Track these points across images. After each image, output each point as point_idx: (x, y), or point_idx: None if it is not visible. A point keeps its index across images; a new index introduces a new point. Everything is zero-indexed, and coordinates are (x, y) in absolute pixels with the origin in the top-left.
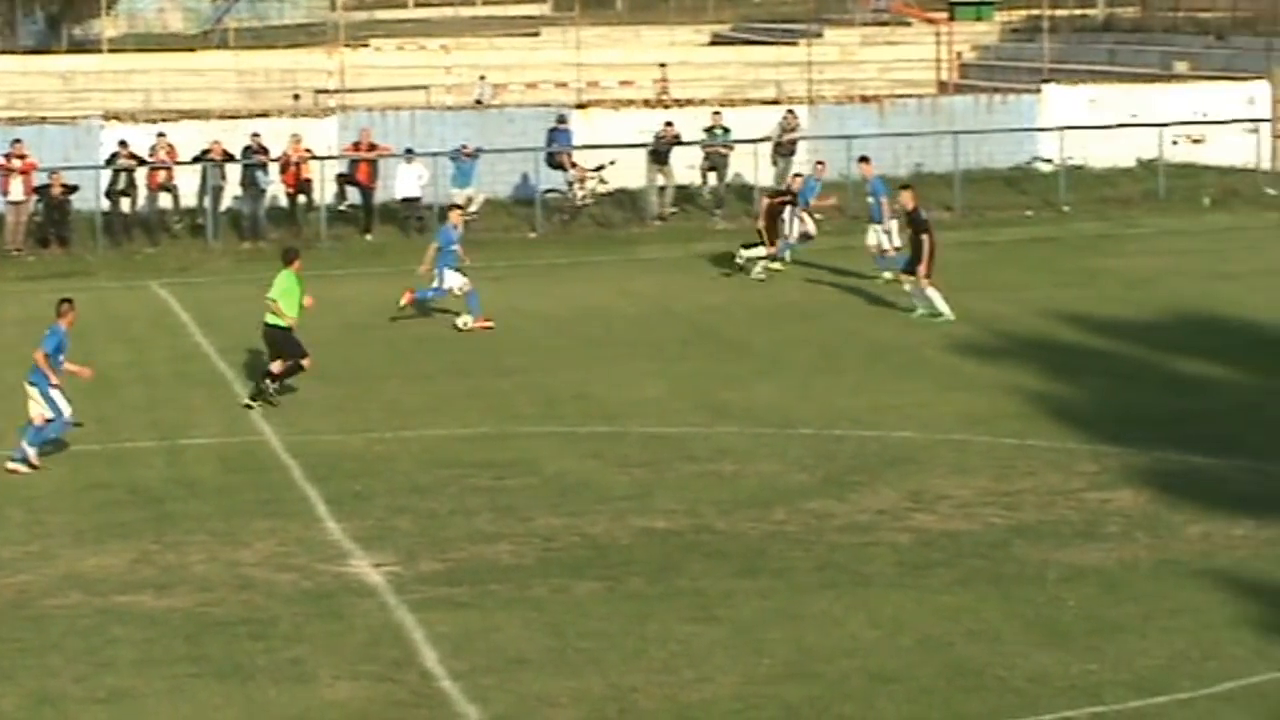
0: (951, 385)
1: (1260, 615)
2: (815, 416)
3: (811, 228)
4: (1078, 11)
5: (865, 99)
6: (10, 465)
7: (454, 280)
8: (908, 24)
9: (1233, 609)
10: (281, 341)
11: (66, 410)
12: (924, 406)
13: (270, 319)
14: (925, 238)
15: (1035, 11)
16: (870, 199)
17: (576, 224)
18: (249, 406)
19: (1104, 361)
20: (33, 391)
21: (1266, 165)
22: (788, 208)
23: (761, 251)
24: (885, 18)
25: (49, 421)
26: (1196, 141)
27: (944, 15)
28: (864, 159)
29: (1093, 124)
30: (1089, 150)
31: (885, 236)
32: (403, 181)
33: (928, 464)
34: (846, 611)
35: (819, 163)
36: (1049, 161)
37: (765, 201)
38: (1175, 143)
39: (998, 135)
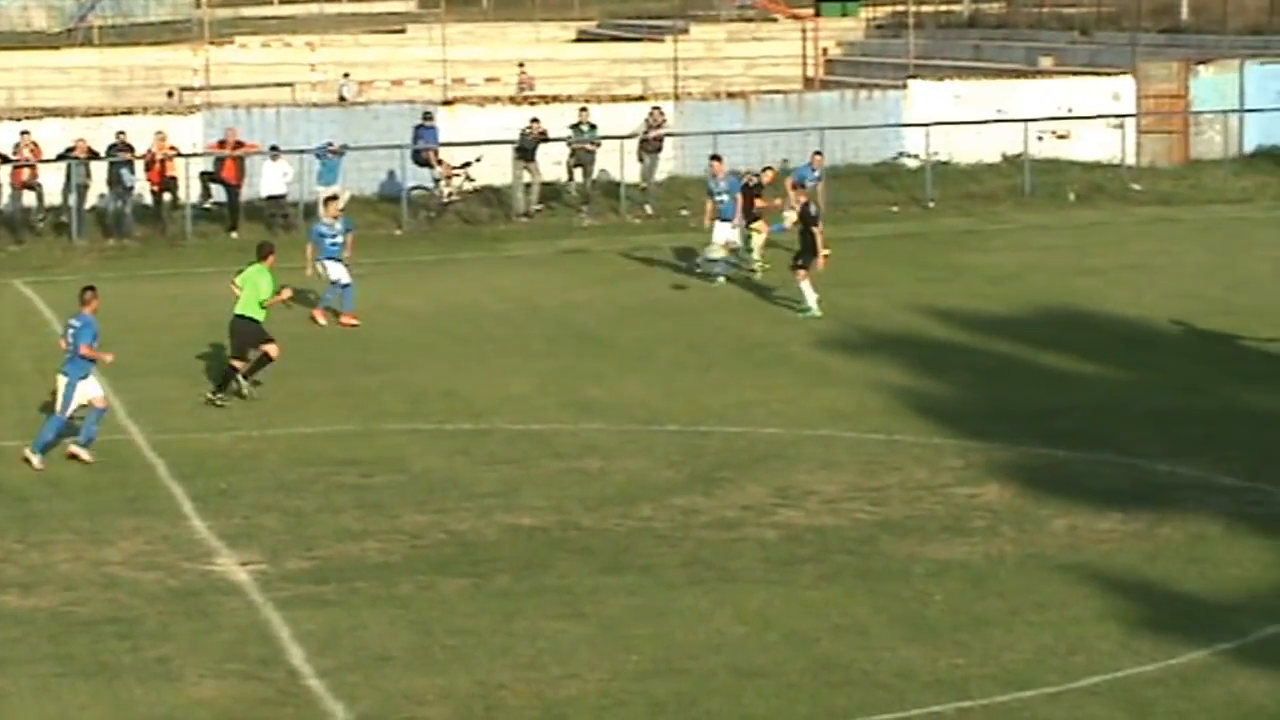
0: (818, 381)
1: (1126, 609)
2: (682, 413)
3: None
4: (943, 7)
5: (731, 95)
6: (72, 450)
7: (337, 272)
8: (773, 20)
9: (1099, 603)
10: (246, 333)
11: (71, 408)
12: (790, 403)
13: (239, 310)
14: (816, 231)
15: (901, 7)
16: (723, 197)
17: (443, 221)
18: (213, 402)
19: (969, 357)
20: (76, 383)
21: (1131, 160)
22: (757, 199)
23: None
24: (751, 14)
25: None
26: (1062, 137)
27: (809, 11)
28: (715, 157)
29: (958, 120)
30: (954, 146)
31: (735, 233)
32: (268, 179)
33: (794, 460)
34: (713, 607)
35: (816, 153)
36: (914, 157)
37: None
38: (1040, 138)
39: (863, 131)
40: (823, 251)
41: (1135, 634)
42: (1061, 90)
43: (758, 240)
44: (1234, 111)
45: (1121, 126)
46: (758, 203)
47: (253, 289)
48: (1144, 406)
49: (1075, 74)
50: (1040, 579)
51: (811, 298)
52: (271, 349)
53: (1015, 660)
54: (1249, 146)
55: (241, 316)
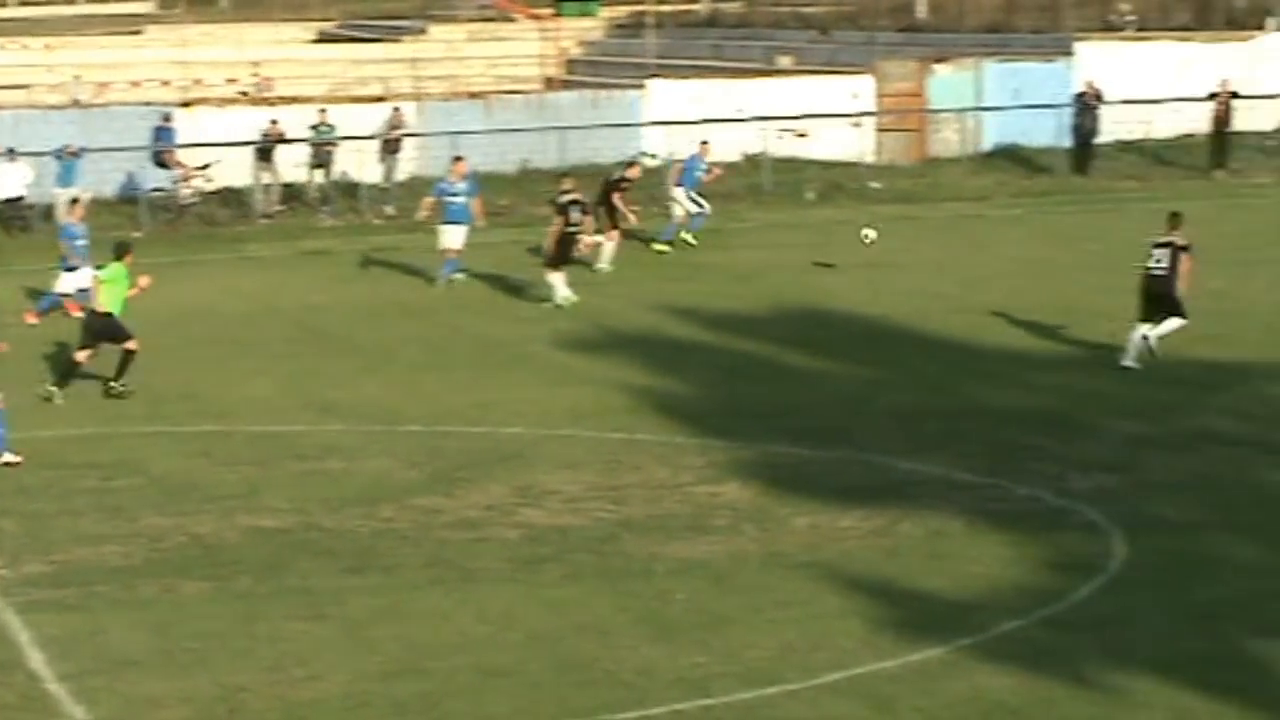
0: (559, 381)
1: (867, 606)
2: (423, 413)
3: (706, 206)
4: (682, 7)
5: (472, 95)
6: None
7: (78, 279)
8: (513, 20)
9: (840, 600)
10: (103, 328)
11: None
12: (532, 402)
13: (99, 306)
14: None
15: (640, 7)
16: (459, 199)
17: (182, 222)
18: (47, 399)
19: (710, 355)
20: None
21: (870, 159)
22: (617, 194)
23: (601, 238)
24: (491, 14)
25: None
26: (801, 136)
27: (550, 11)
28: (458, 158)
29: (697, 119)
30: (695, 145)
31: (460, 238)
32: (6, 181)
33: (536, 459)
34: (456, 607)
35: (703, 142)
36: (654, 156)
37: (604, 185)
38: (780, 137)
39: (603, 131)
40: (589, 239)
41: (877, 630)
42: (801, 89)
43: (608, 250)
44: (971, 110)
45: (860, 125)
46: (615, 199)
47: (113, 286)
48: (884, 404)
49: (814, 73)
50: (782, 577)
51: (559, 290)
52: (132, 344)
53: (757, 658)
54: (986, 145)
55: (98, 312)
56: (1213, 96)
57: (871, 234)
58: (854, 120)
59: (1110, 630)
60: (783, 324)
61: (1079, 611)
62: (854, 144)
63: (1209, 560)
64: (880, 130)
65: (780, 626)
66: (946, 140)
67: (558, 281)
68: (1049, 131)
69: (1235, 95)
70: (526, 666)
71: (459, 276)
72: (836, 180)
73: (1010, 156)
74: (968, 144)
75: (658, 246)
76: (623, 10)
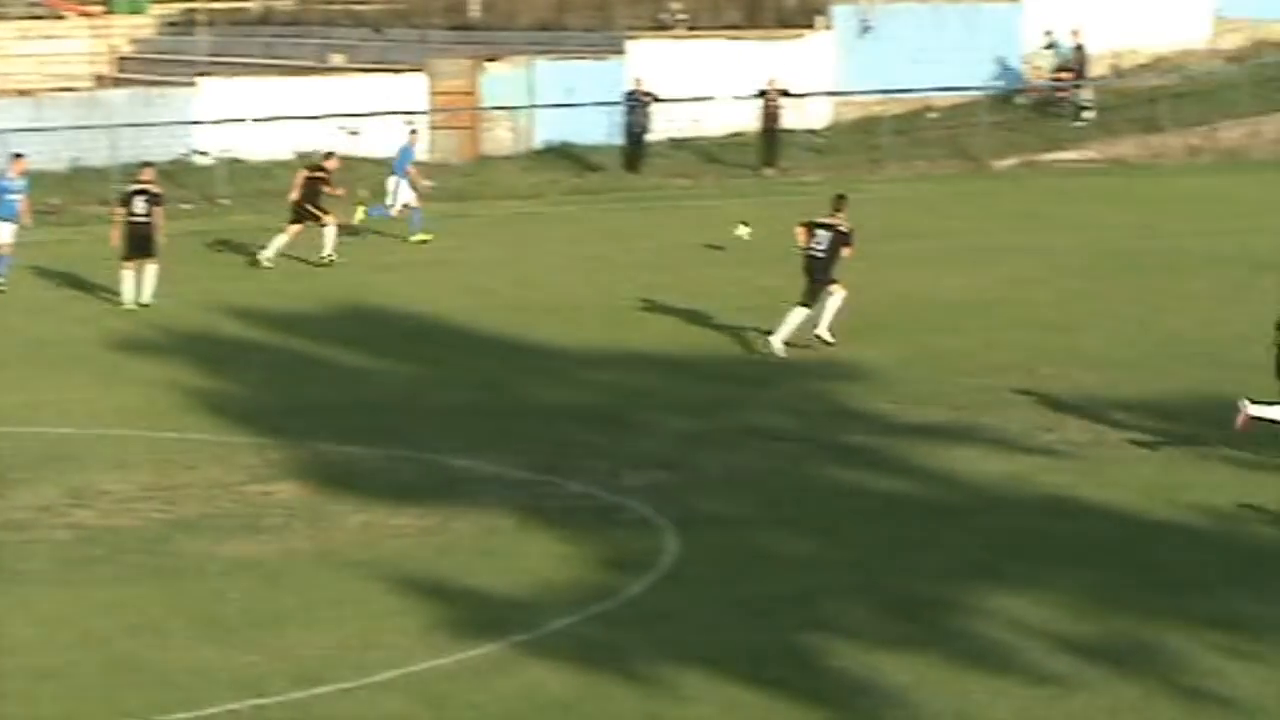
0: (112, 380)
1: (421, 604)
2: None
3: (413, 198)
4: (234, 5)
5: (22, 93)
6: None
7: None
8: (63, 17)
9: (394, 598)
10: None
11: None
12: (84, 402)
13: None
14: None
15: (191, 5)
16: (16, 196)
17: None
18: None
19: (265, 354)
20: None
21: (423, 157)
22: (318, 185)
23: (329, 232)
24: (41, 11)
25: None
26: (353, 134)
27: (100, 8)
28: (18, 155)
29: (249, 117)
30: (247, 143)
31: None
32: None
33: (88, 460)
34: (5, 610)
35: (412, 130)
36: (205, 154)
37: (301, 176)
38: (334, 135)
39: (155, 129)
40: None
41: (431, 628)
42: (354, 87)
43: (330, 235)
44: (523, 108)
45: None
46: (325, 190)
47: None
48: (437, 402)
49: (367, 71)
50: (336, 575)
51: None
52: None
53: (311, 657)
54: (538, 143)
55: None
56: (762, 94)
57: (744, 230)
58: (407, 118)
59: (662, 625)
60: (337, 322)
61: (632, 607)
62: (400, 142)
63: (760, 555)
64: (433, 128)
65: (334, 625)
66: (499, 138)
67: (127, 278)
68: (601, 130)
69: (785, 93)
70: (78, 668)
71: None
72: (388, 178)
73: (562, 154)
74: (520, 142)
75: (419, 237)
76: (174, 7)
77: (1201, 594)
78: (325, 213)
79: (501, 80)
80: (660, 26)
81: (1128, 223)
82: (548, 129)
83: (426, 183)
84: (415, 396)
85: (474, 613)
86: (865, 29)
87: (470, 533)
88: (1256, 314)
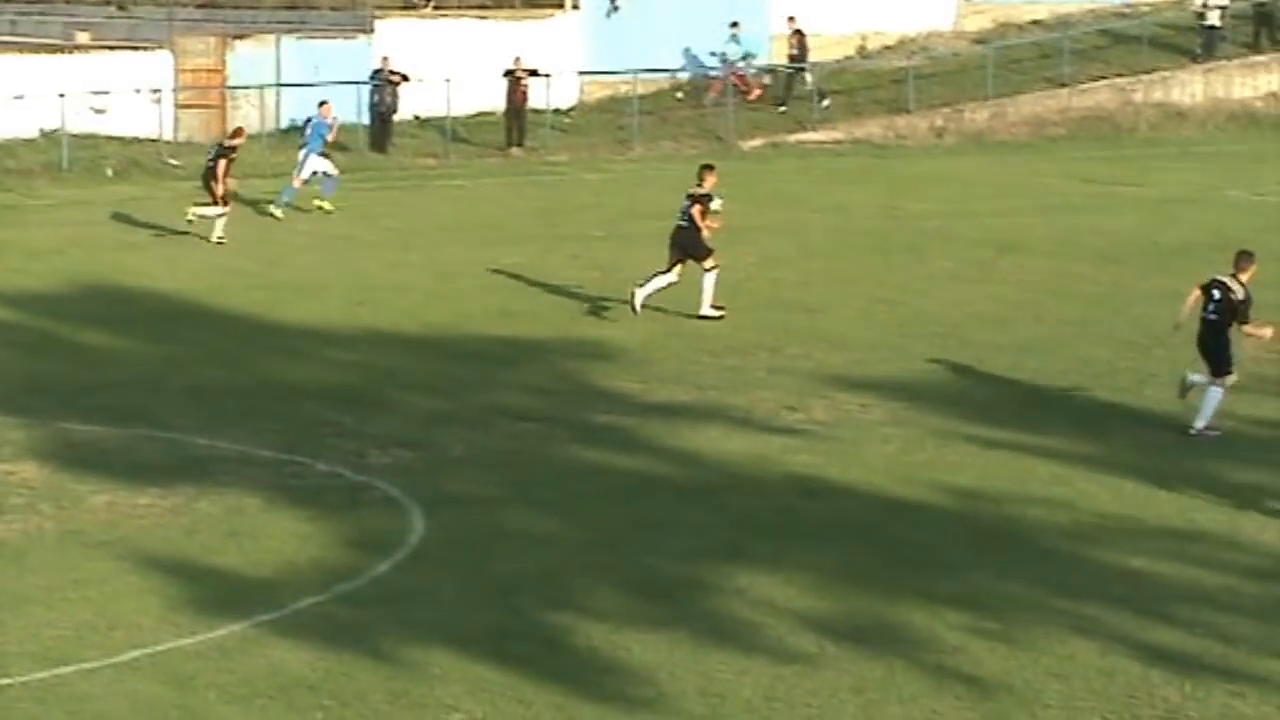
0: None
1: (165, 584)
2: None
3: (330, 166)
4: None
5: None
6: None
7: None
8: None
9: (138, 578)
10: None
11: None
12: None
13: None
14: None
15: None
16: None
17: None
18: None
19: (7, 333)
20: None
21: (170, 135)
22: (222, 162)
23: (213, 211)
24: None
25: None
26: (99, 112)
27: None
28: None
29: None
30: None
31: None
32: None
33: None
34: None
35: (323, 103)
36: None
37: (222, 164)
38: (79, 114)
39: None
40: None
41: (176, 608)
42: (99, 65)
43: (219, 220)
44: (271, 86)
45: (159, 101)
46: (220, 167)
47: None
48: (182, 381)
49: (112, 49)
50: (80, 556)
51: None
52: None
53: (54, 637)
54: (284, 121)
55: None
56: (509, 74)
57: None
58: (154, 97)
59: (409, 605)
60: (80, 301)
61: (377, 587)
62: (153, 121)
63: (506, 534)
64: (179, 106)
65: (78, 605)
66: (246, 117)
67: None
68: (349, 109)
69: (533, 73)
70: None
71: None
72: (134, 157)
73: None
74: (267, 121)
75: (325, 204)
76: None
77: (945, 572)
78: (224, 195)
79: (249, 59)
80: (408, 6)
81: (873, 203)
82: (294, 108)
83: (172, 161)
84: (161, 376)
85: (219, 592)
86: (613, 9)
87: (215, 513)
88: (999, 294)
